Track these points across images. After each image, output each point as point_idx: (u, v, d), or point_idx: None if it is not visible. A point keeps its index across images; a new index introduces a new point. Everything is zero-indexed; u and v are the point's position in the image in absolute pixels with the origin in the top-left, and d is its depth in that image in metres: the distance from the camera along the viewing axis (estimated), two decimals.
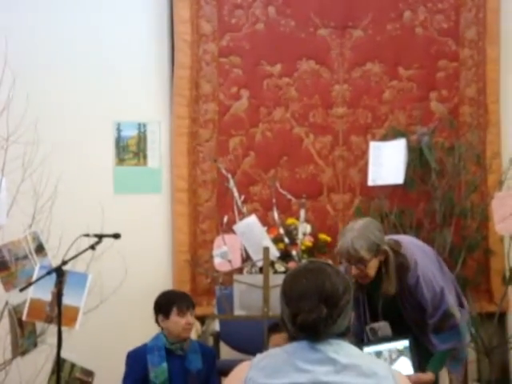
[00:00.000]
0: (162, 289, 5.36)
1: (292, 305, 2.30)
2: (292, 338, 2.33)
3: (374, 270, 3.83)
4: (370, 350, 3.84)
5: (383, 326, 3.99)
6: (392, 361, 3.86)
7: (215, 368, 4.50)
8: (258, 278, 3.97)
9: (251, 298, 3.92)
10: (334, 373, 2.24)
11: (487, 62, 5.95)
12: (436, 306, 3.93)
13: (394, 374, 2.30)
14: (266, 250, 4.07)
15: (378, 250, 3.79)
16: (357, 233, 3.75)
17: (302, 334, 2.29)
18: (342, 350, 2.28)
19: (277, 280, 3.76)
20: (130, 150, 5.80)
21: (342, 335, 2.32)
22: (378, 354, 3.82)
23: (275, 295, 3.66)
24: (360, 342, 3.89)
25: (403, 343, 3.89)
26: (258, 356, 2.33)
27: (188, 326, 4.36)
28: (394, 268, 3.86)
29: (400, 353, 3.89)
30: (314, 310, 2.26)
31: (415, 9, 5.96)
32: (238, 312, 3.98)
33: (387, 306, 3.98)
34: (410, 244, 4.04)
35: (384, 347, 3.88)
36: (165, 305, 4.39)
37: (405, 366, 3.85)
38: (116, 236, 4.42)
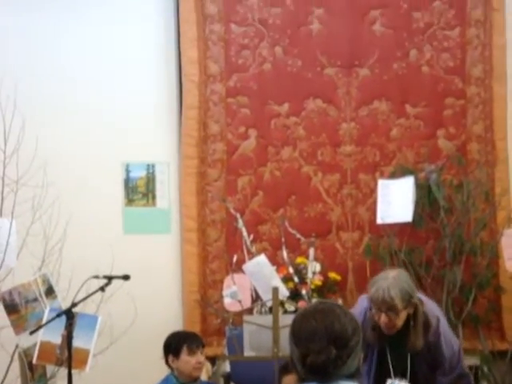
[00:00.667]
0: (172, 329, 5.37)
1: (301, 345, 2.30)
2: (301, 380, 2.32)
3: (402, 321, 3.89)
4: None
5: None
6: None
7: None
8: (268, 319, 3.96)
9: (261, 338, 3.90)
10: None
11: (494, 99, 5.96)
12: (453, 365, 4.00)
13: None
14: (276, 290, 4.07)
15: (409, 300, 3.86)
16: (392, 281, 3.83)
17: (311, 375, 2.28)
18: None
19: (286, 320, 3.74)
20: (139, 190, 5.82)
21: (351, 376, 2.32)
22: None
23: (285, 335, 3.66)
24: None
25: None
26: None
27: (198, 364, 4.36)
28: (422, 322, 3.92)
29: None
30: (323, 351, 2.26)
31: (421, 47, 5.99)
32: (248, 353, 3.96)
33: (399, 362, 4.01)
34: (430, 301, 4.14)
35: None
36: (175, 344, 4.39)
37: None
38: (125, 277, 4.42)
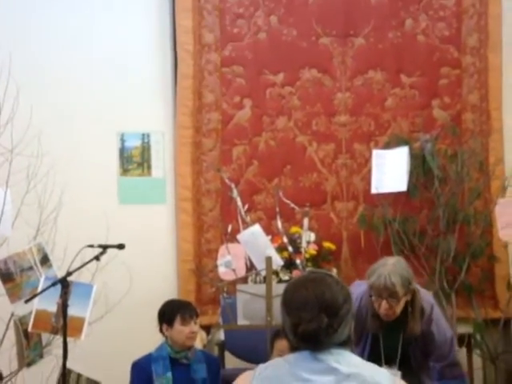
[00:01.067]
0: (167, 298, 5.37)
1: (293, 315, 2.31)
2: (293, 348, 2.34)
3: (401, 307, 3.93)
4: None
5: (395, 375, 3.99)
6: None
7: (220, 377, 4.52)
8: (261, 288, 3.98)
9: (254, 307, 3.92)
10: (336, 382, 2.24)
11: (489, 68, 5.96)
12: (445, 352, 4.05)
13: (396, 382, 2.32)
14: (269, 259, 4.09)
15: (408, 287, 3.91)
16: (392, 268, 3.88)
17: (303, 343, 2.29)
18: (344, 360, 2.29)
19: (280, 289, 3.74)
20: (134, 160, 5.83)
21: (343, 344, 2.33)
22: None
23: (278, 304, 3.68)
24: None
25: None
26: (261, 366, 2.34)
27: (192, 334, 4.38)
28: (419, 308, 3.97)
29: None
30: (314, 319, 2.27)
31: (416, 17, 5.98)
32: (241, 322, 3.98)
33: (391, 349, 4.05)
34: (423, 290, 4.18)
35: None
36: (168, 314, 4.41)
37: None
38: (120, 246, 4.41)
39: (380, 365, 3.77)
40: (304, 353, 2.30)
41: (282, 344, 3.92)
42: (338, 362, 2.27)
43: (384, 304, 3.88)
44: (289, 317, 2.33)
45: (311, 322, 2.27)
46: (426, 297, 4.11)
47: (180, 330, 4.35)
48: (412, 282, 3.95)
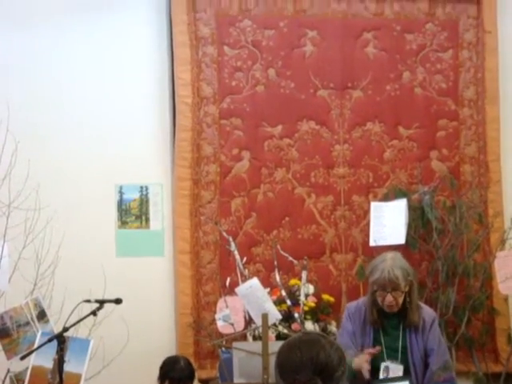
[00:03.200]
0: (165, 352, 5.40)
1: (287, 377, 2.28)
2: None
3: (402, 299, 4.23)
4: None
5: (396, 369, 4.24)
6: None
7: None
8: (258, 345, 3.95)
9: (251, 365, 3.88)
10: None
11: (487, 121, 6.00)
12: (440, 353, 4.31)
13: None
14: (265, 316, 4.05)
15: (408, 278, 4.22)
16: (392, 262, 4.21)
17: None
18: None
19: (276, 347, 3.74)
20: (133, 212, 5.81)
21: None
22: None
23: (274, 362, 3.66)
24: None
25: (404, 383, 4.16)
26: None
27: None
28: (417, 300, 4.31)
29: None
30: (308, 382, 2.24)
31: (414, 69, 6.02)
32: (237, 380, 3.94)
33: (392, 344, 4.30)
34: (425, 306, 4.56)
35: None
36: (161, 375, 4.41)
37: None
38: (118, 301, 4.40)
39: (382, 358, 4.23)
40: None
41: None
42: None
43: (389, 297, 4.17)
44: (282, 379, 2.30)
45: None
46: (429, 310, 4.44)
47: None
48: (410, 272, 4.25)
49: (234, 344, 4.13)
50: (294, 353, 2.31)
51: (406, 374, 4.23)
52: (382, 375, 4.22)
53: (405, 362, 4.27)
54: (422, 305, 4.45)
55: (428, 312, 4.41)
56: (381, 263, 4.23)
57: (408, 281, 4.23)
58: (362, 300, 4.47)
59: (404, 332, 4.31)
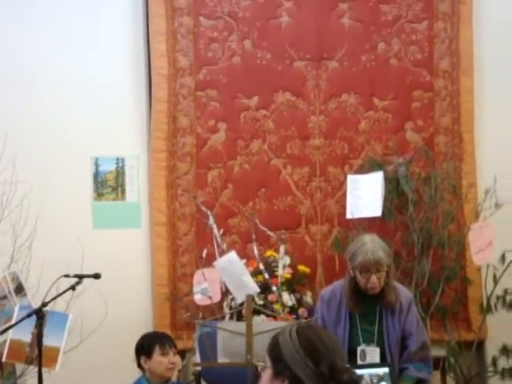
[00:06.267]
0: (142, 324, 5.45)
1: (324, 360, 2.22)
2: None
3: (383, 279, 4.29)
4: None
5: (373, 352, 4.31)
6: None
7: None
8: (241, 325, 3.97)
9: (234, 344, 3.91)
10: None
11: (461, 92, 6.01)
12: (418, 335, 4.38)
13: None
14: (249, 297, 4.07)
15: (389, 258, 4.29)
16: (372, 244, 4.28)
17: None
18: None
19: (261, 327, 3.81)
20: (109, 184, 5.80)
21: None
22: (360, 378, 3.95)
23: (258, 342, 3.71)
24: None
25: (384, 370, 4.20)
26: None
27: (171, 365, 4.38)
28: (393, 281, 4.37)
29: (380, 378, 4.18)
30: (350, 369, 2.21)
31: (389, 40, 6.01)
32: (221, 359, 3.96)
33: (368, 327, 4.36)
34: (401, 286, 4.61)
35: (365, 372, 4.16)
36: (147, 345, 4.41)
37: None
38: (96, 276, 4.40)
39: (358, 342, 4.29)
40: None
41: None
42: None
43: (373, 278, 4.24)
44: (318, 361, 2.22)
45: (351, 372, 2.21)
46: (405, 292, 4.49)
47: (159, 360, 4.35)
48: (389, 253, 4.36)
49: (219, 324, 4.16)
50: (322, 336, 2.27)
51: (381, 357, 4.28)
52: (359, 359, 4.26)
53: (380, 345, 4.32)
54: (398, 285, 4.50)
55: (405, 293, 4.46)
56: (361, 246, 4.28)
57: (389, 261, 4.31)
58: (338, 284, 4.51)
59: (380, 314, 4.36)
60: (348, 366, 2.24)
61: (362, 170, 5.80)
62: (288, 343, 2.29)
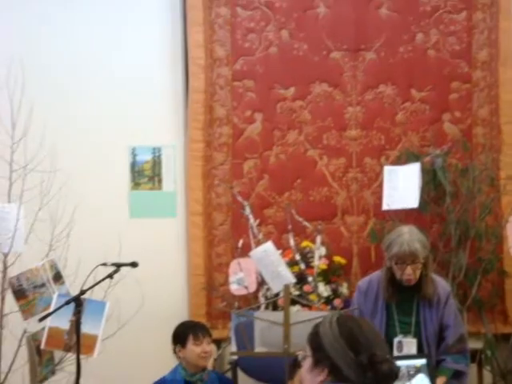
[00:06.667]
0: (178, 313, 5.47)
1: (365, 350, 2.22)
2: (343, 381, 2.23)
3: (420, 271, 4.30)
4: None
5: (410, 343, 4.31)
6: (410, 376, 4.16)
7: None
8: (279, 315, 3.98)
9: (272, 333, 3.92)
10: None
11: (500, 83, 5.95)
12: (456, 327, 4.38)
13: None
14: (287, 287, 4.08)
15: (425, 250, 4.30)
16: (409, 235, 4.28)
17: (379, 383, 2.21)
18: None
19: (298, 317, 3.82)
20: (146, 174, 5.84)
21: None
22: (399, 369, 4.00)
23: (296, 332, 3.72)
24: None
25: (421, 361, 4.20)
26: None
27: (204, 354, 4.40)
28: (432, 273, 4.38)
29: (417, 370, 4.19)
30: (390, 360, 2.20)
31: (427, 31, 5.97)
32: (258, 348, 3.98)
33: (405, 318, 4.36)
34: (441, 278, 4.62)
35: (403, 363, 4.12)
36: (181, 334, 4.44)
37: (422, 382, 4.18)
38: (133, 265, 4.43)
39: (395, 333, 4.29)
40: None
41: None
42: None
43: (408, 270, 4.24)
44: (358, 351, 2.22)
45: (391, 362, 2.20)
46: (444, 284, 4.48)
47: (192, 349, 4.38)
48: (427, 245, 4.34)
49: (256, 314, 4.18)
50: (363, 326, 2.28)
51: (418, 348, 4.28)
52: (395, 351, 4.26)
53: (418, 337, 4.32)
54: (437, 277, 4.50)
55: (443, 286, 4.45)
56: (398, 237, 4.30)
57: (425, 253, 4.31)
58: (376, 275, 4.52)
59: (418, 306, 4.36)
60: (388, 356, 2.22)
61: (399, 161, 5.76)
62: (328, 332, 2.29)
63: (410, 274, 4.24)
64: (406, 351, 4.26)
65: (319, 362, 2.30)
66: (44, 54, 5.65)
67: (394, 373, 2.22)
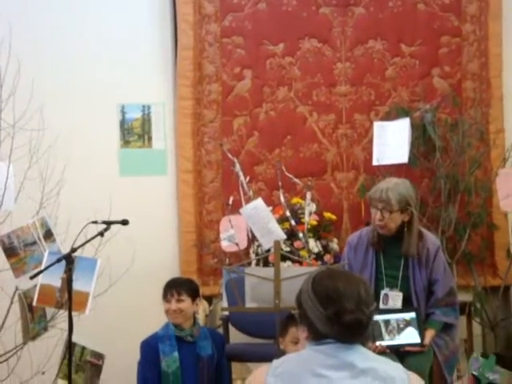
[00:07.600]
0: (169, 269, 5.50)
1: (331, 305, 2.26)
2: (319, 337, 2.29)
3: (395, 224, 4.30)
4: (379, 318, 4.21)
5: (396, 296, 4.34)
6: (399, 329, 4.24)
7: (225, 353, 4.58)
8: (269, 271, 4.01)
9: (262, 289, 3.93)
10: (350, 378, 2.23)
11: (489, 37, 5.95)
12: (446, 281, 4.39)
13: (410, 377, 2.30)
14: (277, 243, 4.08)
15: (405, 206, 4.26)
16: (393, 185, 4.29)
17: (344, 334, 2.25)
18: (361, 355, 2.28)
19: (288, 273, 3.84)
20: (135, 132, 5.82)
21: (363, 345, 2.32)
22: (387, 323, 4.18)
23: (287, 287, 3.74)
24: None
25: (410, 315, 4.26)
26: (275, 361, 2.32)
27: (172, 312, 4.44)
28: (417, 231, 4.32)
29: (407, 323, 4.26)
30: (357, 311, 2.24)
31: None
32: (249, 304, 3.99)
33: (393, 272, 4.38)
34: (431, 234, 4.58)
35: (392, 317, 4.24)
36: (163, 291, 4.52)
37: (412, 335, 4.25)
38: (124, 222, 4.42)
39: (382, 287, 4.31)
40: (326, 346, 2.27)
41: (296, 332, 3.95)
42: (354, 357, 2.26)
43: (378, 215, 4.27)
44: (324, 307, 2.27)
45: (355, 313, 2.24)
46: (433, 239, 4.47)
47: (164, 307, 4.46)
48: (411, 203, 4.30)
49: (246, 270, 4.19)
50: (337, 281, 2.30)
51: (407, 302, 4.31)
52: (381, 303, 4.29)
53: (406, 291, 4.34)
54: (426, 232, 4.49)
55: (432, 240, 4.44)
56: (383, 183, 4.37)
57: (406, 209, 4.28)
58: (365, 230, 4.54)
59: (406, 261, 4.37)
60: (354, 308, 2.25)
61: (389, 116, 5.77)
62: (304, 289, 2.36)
63: (379, 218, 4.27)
64: (391, 304, 4.30)
65: (301, 318, 2.36)
66: (31, 13, 5.60)
67: (358, 322, 2.25)
